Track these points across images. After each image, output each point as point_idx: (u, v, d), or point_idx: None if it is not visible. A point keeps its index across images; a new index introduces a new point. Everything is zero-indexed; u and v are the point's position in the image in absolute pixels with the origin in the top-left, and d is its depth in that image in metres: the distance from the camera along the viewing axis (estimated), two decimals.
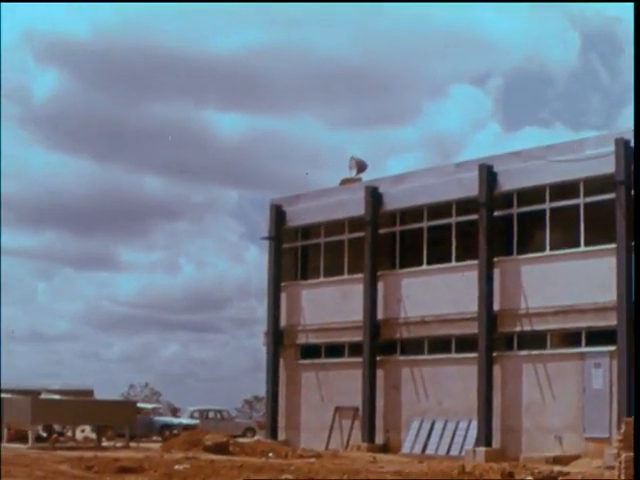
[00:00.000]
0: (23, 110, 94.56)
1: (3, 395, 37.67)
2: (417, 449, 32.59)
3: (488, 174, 31.74)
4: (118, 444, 36.13)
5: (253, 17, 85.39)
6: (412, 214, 34.60)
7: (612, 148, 28.72)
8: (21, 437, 35.58)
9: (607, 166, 28.77)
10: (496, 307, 31.35)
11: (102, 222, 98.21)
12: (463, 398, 31.93)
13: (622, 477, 20.92)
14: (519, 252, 31.44)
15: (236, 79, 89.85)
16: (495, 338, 31.40)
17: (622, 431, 22.85)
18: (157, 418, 46.27)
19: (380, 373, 34.69)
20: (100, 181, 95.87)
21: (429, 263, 33.83)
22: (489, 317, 31.19)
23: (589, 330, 29.47)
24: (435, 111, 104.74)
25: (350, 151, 59.29)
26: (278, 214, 38.51)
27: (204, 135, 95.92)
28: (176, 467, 24.35)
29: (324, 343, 36.99)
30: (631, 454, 20.74)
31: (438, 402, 33.03)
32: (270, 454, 30.98)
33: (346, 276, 36.37)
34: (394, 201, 34.78)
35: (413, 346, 34.31)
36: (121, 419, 36.41)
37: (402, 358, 34.49)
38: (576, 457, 28.66)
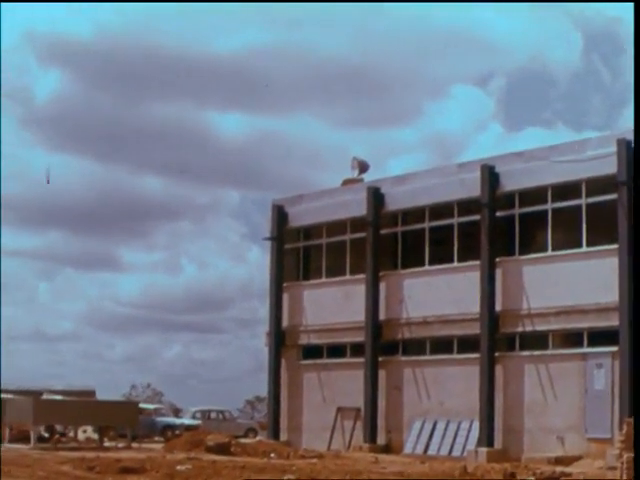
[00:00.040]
0: (25, 111, 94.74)
1: (5, 395, 37.72)
2: (419, 450, 32.58)
3: (490, 174, 31.74)
4: (120, 444, 36.17)
5: (254, 17, 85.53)
6: (414, 214, 34.59)
7: (614, 149, 28.71)
8: (23, 437, 35.61)
9: (609, 166, 28.76)
10: (498, 307, 31.35)
11: (104, 222, 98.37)
12: (465, 399, 31.92)
13: (624, 477, 20.92)
14: (521, 252, 31.42)
15: (237, 79, 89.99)
16: (497, 338, 31.39)
17: (624, 432, 22.86)
18: (159, 419, 46.34)
19: (382, 374, 34.68)
20: (102, 182, 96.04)
21: (431, 263, 33.81)
22: (491, 317, 31.18)
23: (591, 331, 29.45)
24: (437, 111, 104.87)
25: (352, 151, 59.21)
26: (280, 214, 38.51)
27: (206, 135, 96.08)
28: (178, 468, 24.37)
29: (326, 343, 36.99)
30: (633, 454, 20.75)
31: (440, 402, 33.02)
32: (272, 455, 30.98)
33: (348, 276, 36.36)
34: (396, 201, 34.77)
35: (415, 346, 34.30)
36: (123, 420, 36.42)
37: (404, 359, 34.48)
38: (578, 458, 28.64)
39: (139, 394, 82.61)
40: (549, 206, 30.67)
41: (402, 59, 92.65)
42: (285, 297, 38.26)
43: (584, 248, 29.79)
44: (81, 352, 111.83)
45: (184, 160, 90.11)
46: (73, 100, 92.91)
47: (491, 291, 31.32)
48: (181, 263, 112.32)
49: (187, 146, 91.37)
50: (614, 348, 28.49)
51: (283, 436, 37.54)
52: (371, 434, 34.23)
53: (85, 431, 40.83)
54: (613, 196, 28.81)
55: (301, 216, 38.13)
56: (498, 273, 31.49)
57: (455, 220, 33.13)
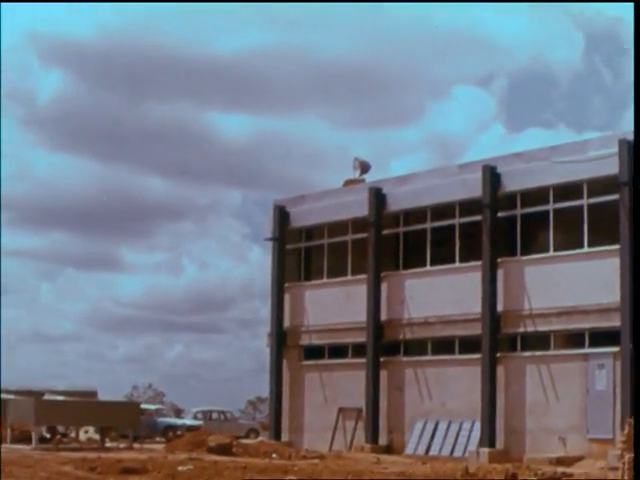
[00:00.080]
0: (26, 111, 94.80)
1: (7, 396, 37.74)
2: (421, 450, 32.57)
3: (492, 175, 31.74)
4: (122, 445, 36.17)
5: (255, 18, 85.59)
6: (416, 215, 34.59)
7: (615, 149, 28.71)
8: (25, 438, 35.62)
9: (610, 167, 28.76)
10: (500, 308, 31.34)
11: (106, 223, 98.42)
12: (466, 399, 31.92)
13: (625, 478, 20.91)
14: (523, 253, 31.42)
15: (238, 80, 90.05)
16: (499, 339, 31.39)
17: (625, 432, 22.84)
18: (161, 419, 46.35)
19: (383, 374, 34.68)
20: (103, 182, 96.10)
21: (432, 264, 33.81)
22: (492, 318, 31.18)
23: (593, 331, 29.45)
24: (438, 112, 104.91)
25: (354, 152, 59.25)
26: (282, 215, 38.51)
27: (207, 136, 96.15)
28: (179, 468, 24.38)
29: (327, 344, 36.99)
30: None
31: (441, 403, 33.01)
32: (273, 455, 30.99)
33: (349, 277, 36.37)
34: (398, 202, 34.77)
35: (416, 347, 34.29)
36: (125, 420, 36.41)
37: (405, 359, 34.48)
38: (580, 458, 28.64)
39: (141, 395, 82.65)
40: (551, 207, 30.66)
41: (403, 59, 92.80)
42: (286, 297, 38.26)
43: (586, 249, 29.78)
44: (83, 352, 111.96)
45: (185, 160, 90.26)
46: (75, 100, 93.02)
47: (493, 291, 31.32)
48: (182, 263, 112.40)
49: (188, 146, 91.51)
50: (615, 349, 28.49)
51: (285, 437, 37.53)
52: (373, 435, 34.22)
53: (87, 432, 40.84)
54: (615, 197, 28.81)
55: (303, 216, 38.13)
56: (500, 274, 31.49)
57: (457, 220, 33.12)
